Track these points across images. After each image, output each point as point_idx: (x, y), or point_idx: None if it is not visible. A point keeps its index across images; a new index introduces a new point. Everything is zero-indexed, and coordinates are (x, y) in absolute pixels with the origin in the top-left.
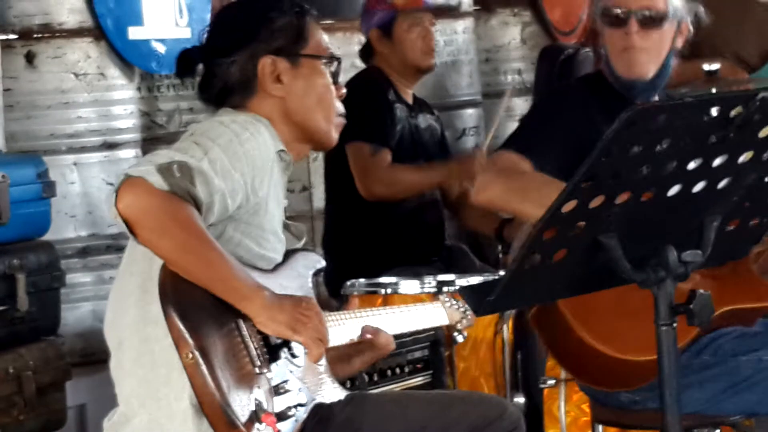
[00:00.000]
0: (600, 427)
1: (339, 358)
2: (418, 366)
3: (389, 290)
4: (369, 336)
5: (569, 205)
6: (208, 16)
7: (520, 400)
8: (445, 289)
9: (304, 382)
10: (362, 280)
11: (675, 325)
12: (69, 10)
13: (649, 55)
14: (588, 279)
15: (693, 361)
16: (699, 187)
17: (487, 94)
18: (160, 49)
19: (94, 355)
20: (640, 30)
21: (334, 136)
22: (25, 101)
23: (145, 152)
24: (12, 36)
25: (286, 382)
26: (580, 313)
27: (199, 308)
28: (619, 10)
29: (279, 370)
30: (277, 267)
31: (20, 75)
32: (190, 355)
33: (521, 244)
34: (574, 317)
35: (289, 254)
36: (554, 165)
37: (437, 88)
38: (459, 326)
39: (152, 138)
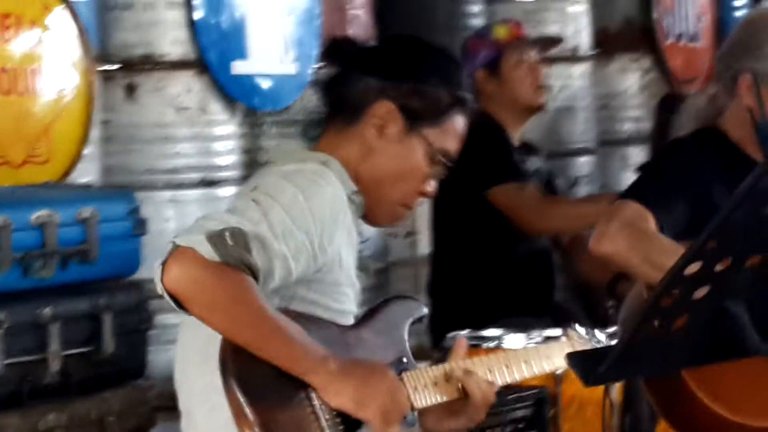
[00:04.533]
0: None
1: (432, 418)
2: (521, 426)
3: (493, 344)
4: (460, 385)
5: (693, 267)
6: (315, 52)
7: None
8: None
9: None
10: (465, 331)
11: None
12: (172, 42)
13: None
14: (710, 349)
15: None
16: None
17: (603, 142)
18: (265, 84)
19: None
20: None
21: (383, 221)
22: (123, 134)
23: None
24: (113, 67)
25: None
26: (700, 373)
27: (264, 377)
28: None
29: None
30: (365, 319)
31: (119, 107)
32: None
33: (633, 309)
34: (693, 378)
35: (382, 303)
36: (675, 223)
37: (551, 134)
38: None
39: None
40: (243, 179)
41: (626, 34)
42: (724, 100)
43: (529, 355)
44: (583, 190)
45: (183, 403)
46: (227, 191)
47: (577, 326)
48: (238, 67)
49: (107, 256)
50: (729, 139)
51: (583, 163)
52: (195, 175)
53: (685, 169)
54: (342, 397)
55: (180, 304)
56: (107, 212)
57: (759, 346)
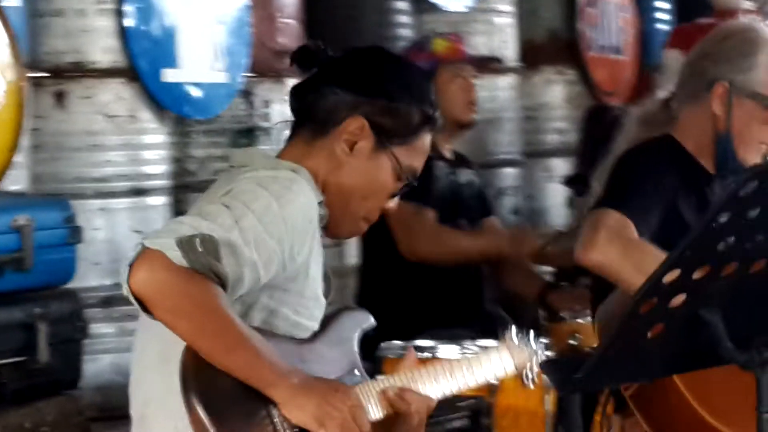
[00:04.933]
0: None
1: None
2: None
3: (426, 354)
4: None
5: (671, 276)
6: (245, 61)
7: None
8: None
9: None
10: (397, 342)
11: None
12: (102, 49)
13: None
14: (685, 357)
15: None
16: None
17: (528, 154)
18: (195, 93)
19: (112, 411)
20: None
21: (344, 234)
22: (52, 142)
23: (176, 200)
24: (42, 74)
25: None
26: (698, 388)
27: (225, 394)
28: None
29: None
30: (318, 331)
31: (49, 115)
32: None
33: (613, 317)
34: (691, 393)
35: (332, 315)
36: (649, 230)
37: (477, 145)
38: (527, 370)
39: (182, 185)
40: (172, 188)
41: (551, 46)
42: (679, 107)
43: (470, 363)
44: (508, 201)
45: (136, 408)
46: (157, 200)
47: (512, 332)
48: (169, 76)
49: (42, 264)
50: (683, 147)
51: (509, 174)
52: (124, 184)
53: (657, 177)
54: (303, 413)
55: (145, 307)
56: (42, 220)
57: (733, 354)
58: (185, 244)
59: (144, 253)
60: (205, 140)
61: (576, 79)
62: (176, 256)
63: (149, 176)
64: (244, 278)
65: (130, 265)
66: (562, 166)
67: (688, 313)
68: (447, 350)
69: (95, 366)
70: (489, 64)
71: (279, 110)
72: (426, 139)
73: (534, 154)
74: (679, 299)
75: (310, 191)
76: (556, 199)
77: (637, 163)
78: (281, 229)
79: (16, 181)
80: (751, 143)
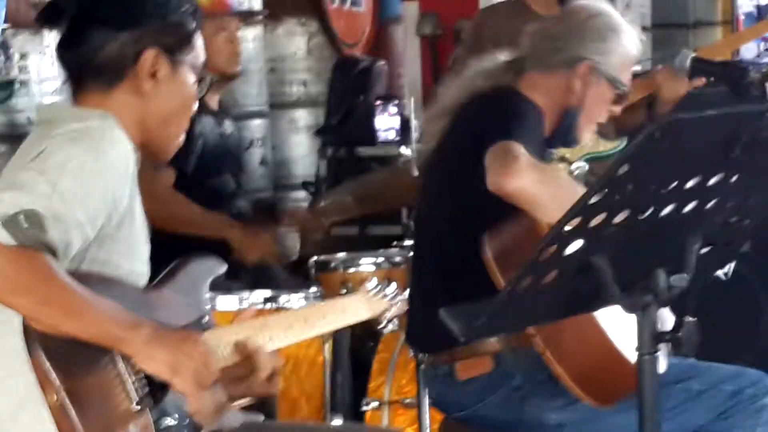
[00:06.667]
0: None
1: (230, 380)
2: None
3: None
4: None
5: (572, 223)
6: (2, 13)
7: (339, 421)
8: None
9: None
10: None
11: (658, 354)
12: None
13: None
14: (572, 302)
15: None
16: (690, 206)
17: (272, 105)
18: None
19: None
20: None
21: (170, 155)
22: None
23: None
24: None
25: (168, 416)
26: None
27: (68, 341)
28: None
29: (163, 404)
30: (166, 278)
31: None
32: (56, 398)
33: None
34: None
35: (181, 262)
36: None
37: (227, 97)
38: (387, 315)
39: None
40: None
41: None
42: (528, 69)
43: (325, 310)
44: (256, 153)
45: None
46: None
47: (371, 282)
48: None
49: None
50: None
51: (257, 126)
52: None
53: (537, 118)
54: (156, 362)
55: None
56: None
57: (618, 298)
58: (9, 223)
59: None
60: None
61: (318, 30)
62: (3, 237)
63: None
64: (72, 241)
65: None
66: (305, 117)
67: (580, 259)
68: (225, 301)
69: None
70: (254, 17)
71: (36, 62)
72: (197, 31)
73: (278, 105)
74: (574, 246)
75: (124, 136)
76: (300, 149)
77: (519, 104)
78: (101, 181)
79: None
80: (592, 121)
